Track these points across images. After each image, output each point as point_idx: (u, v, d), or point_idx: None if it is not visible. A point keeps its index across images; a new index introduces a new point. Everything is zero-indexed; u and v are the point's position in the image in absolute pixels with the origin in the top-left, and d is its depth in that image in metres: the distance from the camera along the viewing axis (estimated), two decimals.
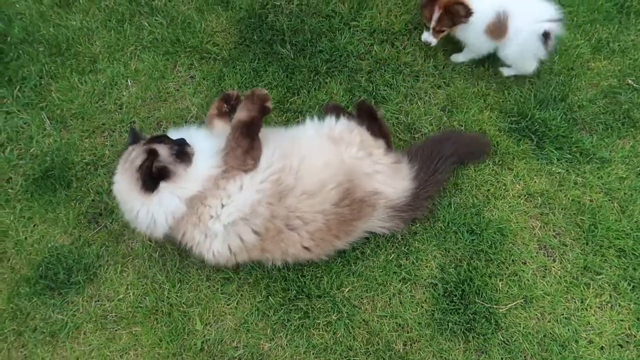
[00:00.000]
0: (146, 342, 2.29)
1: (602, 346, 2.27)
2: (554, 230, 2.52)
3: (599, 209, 2.55)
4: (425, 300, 2.36)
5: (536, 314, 2.34)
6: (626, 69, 2.94)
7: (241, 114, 2.23)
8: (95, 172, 2.63)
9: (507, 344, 2.27)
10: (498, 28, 2.55)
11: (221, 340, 2.30)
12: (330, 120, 2.42)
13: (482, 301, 2.34)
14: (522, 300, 2.36)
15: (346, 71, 2.89)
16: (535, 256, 2.46)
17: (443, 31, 2.67)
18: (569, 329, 2.30)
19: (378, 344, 2.27)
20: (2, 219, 2.54)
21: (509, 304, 2.35)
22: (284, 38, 2.98)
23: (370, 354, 2.26)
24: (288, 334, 2.29)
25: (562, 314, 2.33)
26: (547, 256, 2.47)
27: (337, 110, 2.53)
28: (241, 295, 2.37)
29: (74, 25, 3.02)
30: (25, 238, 2.50)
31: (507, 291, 2.38)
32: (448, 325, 2.30)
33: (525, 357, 2.26)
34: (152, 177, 2.07)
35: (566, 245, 2.48)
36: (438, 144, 2.50)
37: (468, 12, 2.51)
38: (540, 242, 2.50)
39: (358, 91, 2.84)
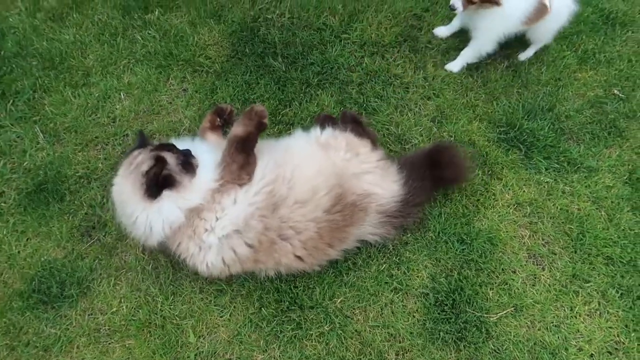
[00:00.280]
0: (139, 355, 2.29)
1: (592, 353, 2.30)
2: (542, 239, 2.56)
3: (586, 218, 2.59)
4: (416, 310, 2.38)
5: (526, 322, 2.36)
6: (612, 79, 3.00)
7: (238, 129, 2.24)
8: (89, 185, 2.64)
9: (497, 353, 2.30)
10: (539, 11, 2.65)
11: (214, 353, 2.30)
12: (315, 130, 2.46)
13: (473, 310, 2.37)
14: (512, 309, 2.38)
15: (337, 83, 2.93)
16: (525, 265, 2.49)
17: (474, 3, 2.63)
18: (558, 337, 2.33)
19: (370, 354, 2.29)
20: None
21: (500, 312, 2.38)
22: (276, 51, 3.01)
23: None
24: (281, 345, 2.30)
25: (552, 322, 2.36)
26: (537, 265, 2.50)
27: (329, 121, 2.56)
28: (234, 307, 2.38)
29: (67, 39, 3.04)
30: (18, 252, 2.50)
31: (498, 300, 2.40)
32: (439, 334, 2.32)
33: None
34: (157, 184, 2.07)
35: (555, 254, 2.52)
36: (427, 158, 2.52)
37: None
38: (530, 251, 2.53)
39: (349, 103, 2.87)
